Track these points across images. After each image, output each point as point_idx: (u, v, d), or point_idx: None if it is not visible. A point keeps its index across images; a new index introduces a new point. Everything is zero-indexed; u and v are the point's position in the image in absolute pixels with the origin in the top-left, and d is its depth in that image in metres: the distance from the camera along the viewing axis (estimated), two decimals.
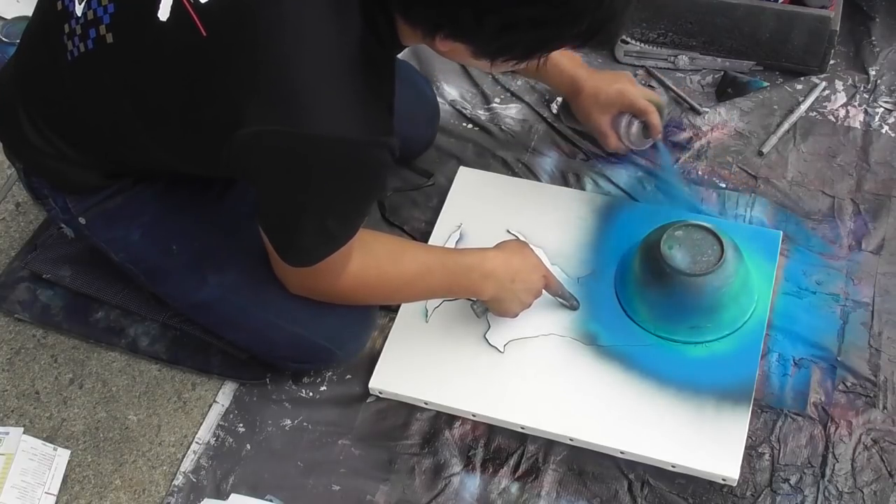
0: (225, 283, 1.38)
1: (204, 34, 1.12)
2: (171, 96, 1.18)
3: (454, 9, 1.06)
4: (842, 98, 1.78)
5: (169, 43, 1.15)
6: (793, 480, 1.34)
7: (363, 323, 1.48)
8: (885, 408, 1.40)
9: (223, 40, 1.12)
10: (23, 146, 1.36)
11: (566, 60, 1.57)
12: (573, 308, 1.50)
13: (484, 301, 1.44)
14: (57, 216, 1.44)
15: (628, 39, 1.86)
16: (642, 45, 1.87)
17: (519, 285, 1.42)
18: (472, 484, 1.39)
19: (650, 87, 1.82)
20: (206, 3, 1.12)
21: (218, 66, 1.13)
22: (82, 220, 1.40)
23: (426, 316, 1.53)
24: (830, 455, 1.36)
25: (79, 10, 1.22)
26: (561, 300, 1.49)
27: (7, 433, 1.42)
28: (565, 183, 1.70)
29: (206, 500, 1.38)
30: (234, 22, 1.11)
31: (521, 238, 1.59)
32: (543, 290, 1.46)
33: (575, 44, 1.12)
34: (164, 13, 1.14)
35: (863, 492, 1.33)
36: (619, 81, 1.58)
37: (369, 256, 1.33)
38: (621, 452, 1.37)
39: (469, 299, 1.48)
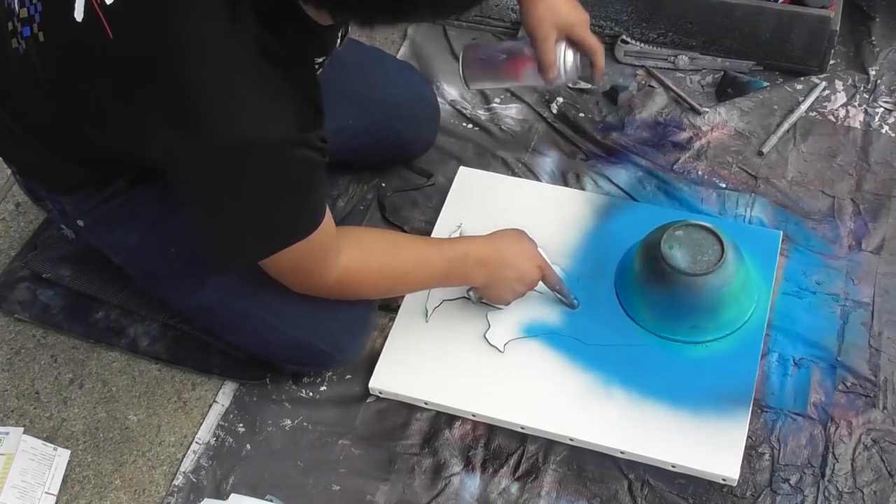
0: (223, 286, 1.38)
1: (110, 36, 1.12)
2: (90, 96, 1.19)
3: None
4: (842, 98, 1.78)
5: (84, 43, 1.15)
6: (793, 480, 1.34)
7: (361, 326, 1.47)
8: (885, 408, 1.40)
9: (127, 45, 1.12)
10: (8, 145, 1.36)
11: None
12: (572, 307, 1.50)
13: (477, 288, 1.46)
14: (56, 218, 1.44)
15: (628, 39, 1.86)
16: (642, 45, 1.87)
17: (511, 273, 1.42)
18: (472, 484, 1.39)
19: (650, 87, 1.83)
20: (111, 4, 1.11)
21: (123, 70, 1.13)
22: (80, 223, 1.41)
23: (426, 316, 1.53)
24: (830, 455, 1.36)
25: (16, 6, 1.23)
26: (559, 295, 1.49)
27: (7, 433, 1.42)
28: (565, 183, 1.70)
29: (206, 500, 1.38)
30: (135, 27, 1.11)
31: None
32: (541, 283, 1.46)
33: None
34: (79, 13, 1.14)
35: (863, 492, 1.33)
36: (575, 13, 1.44)
37: (365, 250, 1.34)
38: (621, 452, 1.37)
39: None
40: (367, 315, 1.48)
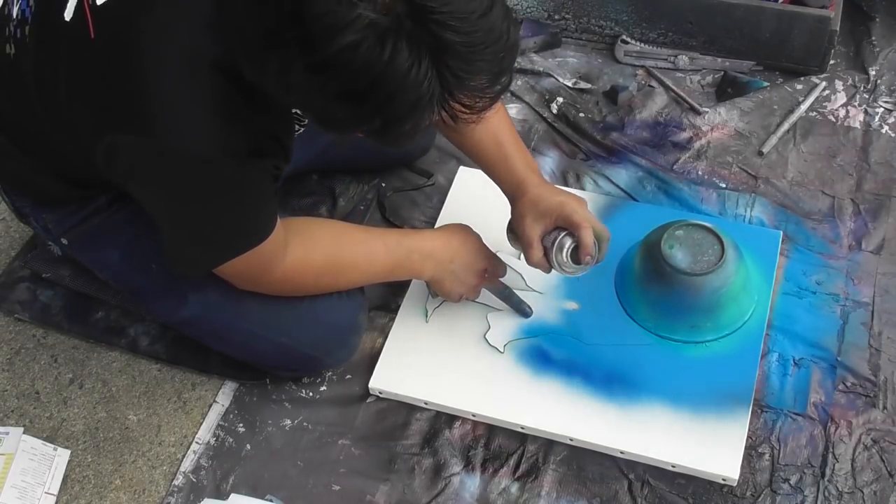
0: (206, 301, 1.37)
1: (92, 36, 1.10)
2: (64, 99, 1.17)
3: (263, 54, 1.00)
4: (842, 98, 1.78)
5: (67, 43, 1.14)
6: (793, 480, 1.34)
7: (349, 329, 1.46)
8: (885, 408, 1.40)
9: (104, 44, 1.11)
10: None
11: (521, 162, 1.42)
12: (524, 314, 1.49)
13: (425, 281, 1.45)
14: (41, 234, 1.45)
15: (628, 39, 1.87)
16: (642, 45, 1.87)
17: (458, 266, 1.41)
18: (472, 484, 1.39)
19: (650, 87, 1.83)
20: (101, 4, 1.11)
21: (96, 69, 1.12)
22: (64, 241, 1.41)
23: (426, 316, 1.53)
24: (830, 455, 1.36)
25: (14, 11, 1.22)
26: (506, 301, 1.49)
27: (7, 433, 1.42)
28: (565, 183, 1.70)
29: (206, 500, 1.38)
30: (115, 27, 1.10)
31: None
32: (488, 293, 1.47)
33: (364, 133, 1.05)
34: (69, 13, 1.13)
35: (863, 492, 1.33)
36: (565, 195, 1.38)
37: (310, 245, 1.33)
38: (621, 452, 1.37)
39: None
40: (355, 317, 1.46)
